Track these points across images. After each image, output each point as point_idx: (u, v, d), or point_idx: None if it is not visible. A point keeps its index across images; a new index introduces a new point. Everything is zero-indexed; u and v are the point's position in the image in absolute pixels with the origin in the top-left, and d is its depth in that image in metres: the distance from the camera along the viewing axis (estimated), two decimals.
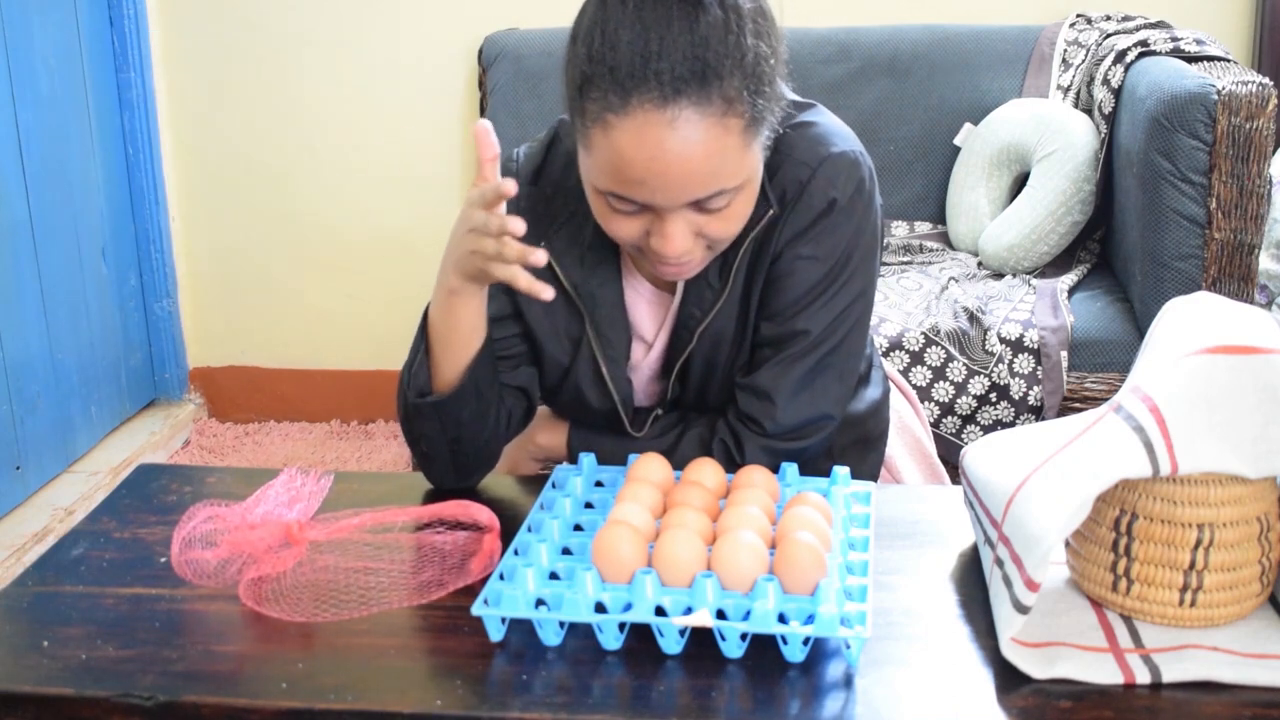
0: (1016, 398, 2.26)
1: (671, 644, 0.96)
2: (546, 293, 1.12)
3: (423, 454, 1.26)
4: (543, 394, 1.35)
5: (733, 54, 1.08)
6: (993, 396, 2.27)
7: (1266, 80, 2.19)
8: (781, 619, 0.96)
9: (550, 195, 1.29)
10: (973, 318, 2.32)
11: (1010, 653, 0.94)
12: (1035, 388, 2.26)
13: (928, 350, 2.28)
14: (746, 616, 0.96)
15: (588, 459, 1.22)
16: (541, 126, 1.37)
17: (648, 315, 1.32)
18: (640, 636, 0.97)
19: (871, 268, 1.28)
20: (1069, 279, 2.50)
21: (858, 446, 1.40)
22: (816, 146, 1.23)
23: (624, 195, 1.11)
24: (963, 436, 2.29)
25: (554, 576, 1.03)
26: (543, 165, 1.31)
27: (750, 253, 1.25)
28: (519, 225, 1.10)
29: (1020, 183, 2.68)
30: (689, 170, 1.08)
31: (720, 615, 0.96)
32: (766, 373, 1.26)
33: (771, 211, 1.23)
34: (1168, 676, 0.92)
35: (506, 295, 1.29)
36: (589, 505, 1.17)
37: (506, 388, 1.30)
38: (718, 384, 1.31)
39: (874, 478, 1.44)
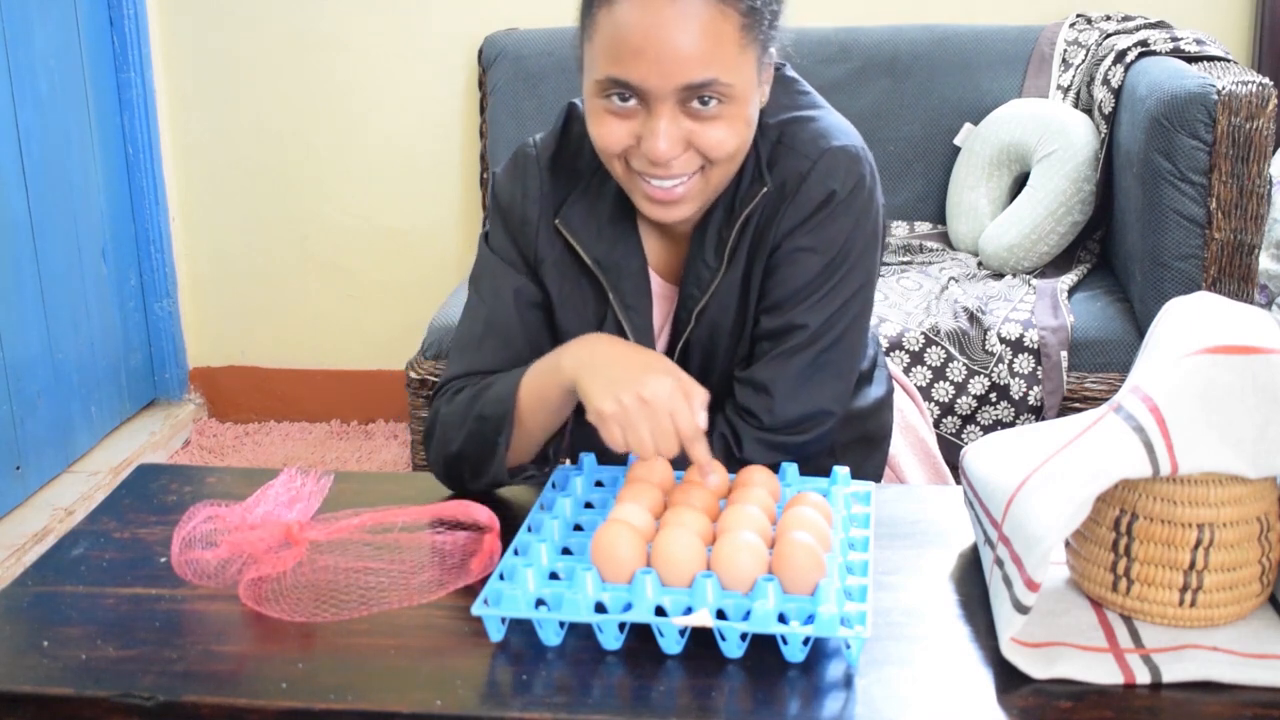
0: (1016, 398, 2.26)
1: (671, 644, 0.96)
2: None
3: (465, 487, 1.25)
4: None
5: None
6: (993, 396, 2.27)
7: (1266, 80, 2.19)
8: (781, 619, 0.96)
9: (565, 175, 1.31)
10: (973, 318, 2.32)
11: (1010, 653, 0.94)
12: (1035, 388, 2.26)
13: (928, 350, 2.28)
14: (746, 616, 0.96)
15: (588, 459, 1.22)
16: (541, 126, 1.38)
17: (656, 309, 1.33)
18: (640, 636, 0.97)
19: (871, 264, 1.28)
20: (1069, 279, 2.50)
21: (861, 445, 1.40)
22: (818, 140, 1.25)
23: (620, 78, 1.13)
24: (963, 436, 2.29)
25: (554, 576, 1.03)
26: (558, 148, 1.32)
27: (749, 238, 1.26)
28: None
29: (1020, 183, 2.68)
30: (686, 44, 1.11)
31: (720, 615, 0.96)
32: (764, 366, 1.26)
33: (766, 189, 1.24)
34: (1168, 676, 0.92)
35: (534, 282, 1.31)
36: (589, 505, 1.17)
37: None
38: (717, 377, 1.31)
39: (878, 478, 1.44)
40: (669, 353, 1.32)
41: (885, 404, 1.44)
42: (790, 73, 1.32)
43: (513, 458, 1.24)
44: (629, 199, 1.26)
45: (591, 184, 1.29)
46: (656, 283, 1.33)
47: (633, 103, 1.16)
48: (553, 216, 1.30)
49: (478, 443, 1.22)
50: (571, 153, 1.31)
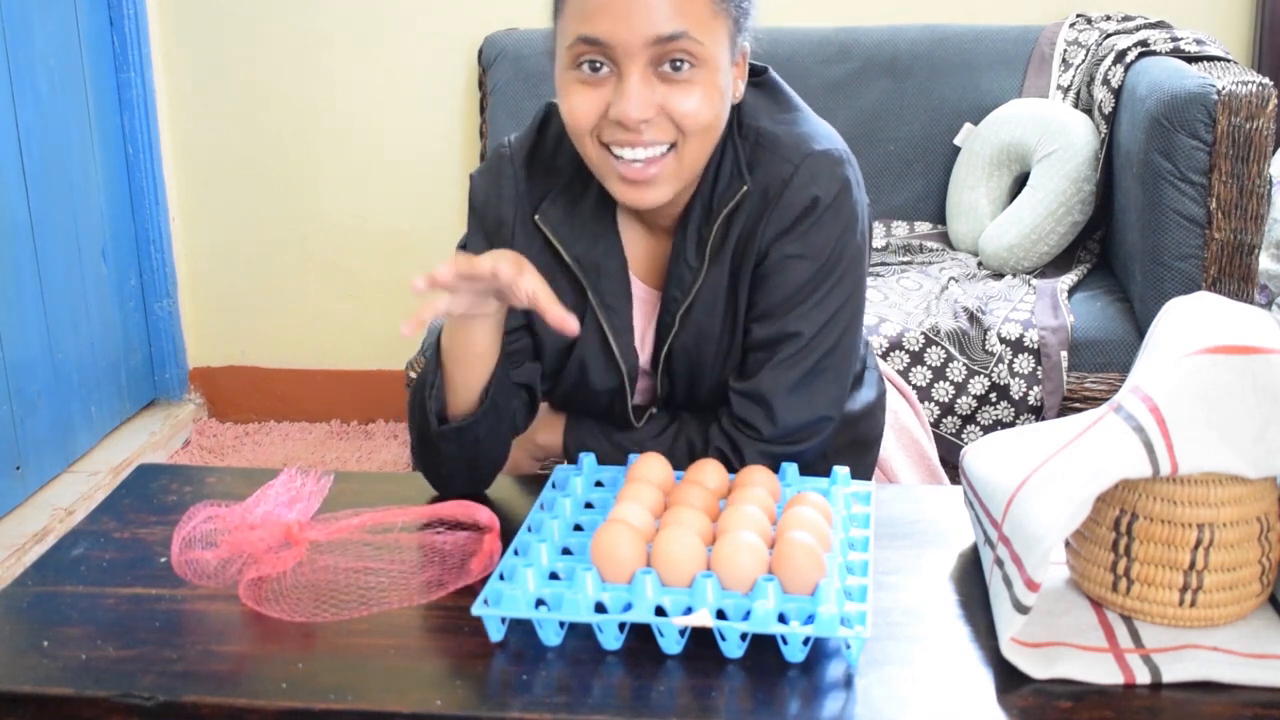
0: (1016, 398, 2.26)
1: (671, 644, 0.96)
2: (571, 324, 1.12)
3: (441, 474, 1.24)
4: (543, 383, 1.34)
5: None
6: (993, 396, 2.26)
7: (1266, 80, 2.19)
8: (781, 619, 0.96)
9: (543, 173, 1.30)
10: (973, 318, 2.32)
11: (1010, 653, 0.94)
12: (1035, 388, 2.26)
13: (928, 350, 2.28)
14: (746, 616, 0.96)
15: (588, 459, 1.22)
16: None
17: (638, 312, 1.32)
18: (640, 636, 0.97)
19: (861, 268, 1.28)
20: (1069, 279, 2.50)
21: (853, 448, 1.39)
22: (799, 144, 1.24)
23: (590, 35, 1.14)
24: (963, 436, 2.29)
25: (554, 576, 1.03)
26: (534, 147, 1.32)
27: (733, 240, 1.25)
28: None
29: (1020, 183, 2.68)
30: None
31: (720, 615, 0.96)
32: (761, 377, 1.25)
33: (746, 188, 1.23)
34: (1168, 676, 0.92)
35: None
36: (589, 505, 1.17)
37: (513, 386, 1.29)
38: (706, 389, 1.30)
39: (868, 479, 1.43)
40: (653, 361, 1.31)
41: (878, 407, 1.44)
42: (774, 76, 1.31)
43: (456, 407, 1.22)
44: (609, 199, 1.25)
45: (573, 183, 1.28)
46: (639, 287, 1.32)
47: (604, 71, 1.16)
48: (530, 214, 1.29)
49: (421, 413, 1.22)
50: (550, 150, 1.31)
